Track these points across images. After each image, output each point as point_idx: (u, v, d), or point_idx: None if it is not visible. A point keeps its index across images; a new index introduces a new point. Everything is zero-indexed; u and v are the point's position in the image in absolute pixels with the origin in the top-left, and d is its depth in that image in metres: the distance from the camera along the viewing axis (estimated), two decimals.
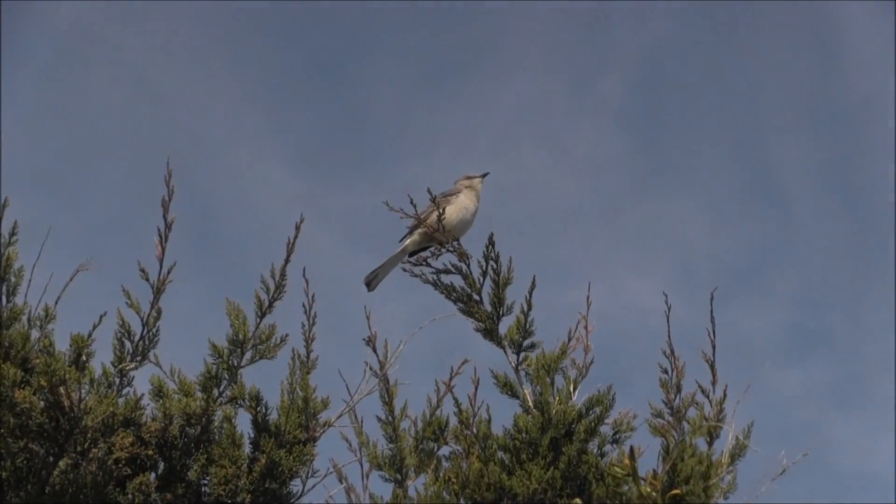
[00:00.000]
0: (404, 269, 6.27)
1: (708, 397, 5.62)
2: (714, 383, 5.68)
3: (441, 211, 6.27)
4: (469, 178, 7.04)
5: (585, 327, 5.94)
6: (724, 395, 5.61)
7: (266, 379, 5.45)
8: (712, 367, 5.69)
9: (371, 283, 6.70)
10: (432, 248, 6.41)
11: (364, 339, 5.83)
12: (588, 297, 5.98)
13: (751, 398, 5.48)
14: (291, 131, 18.83)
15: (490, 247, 5.95)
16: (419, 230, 6.59)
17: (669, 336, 5.80)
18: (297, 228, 5.51)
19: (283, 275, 5.46)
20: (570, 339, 5.87)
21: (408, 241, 6.69)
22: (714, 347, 5.70)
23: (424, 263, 6.25)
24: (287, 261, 5.50)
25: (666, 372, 5.71)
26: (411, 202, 6.03)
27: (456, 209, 6.59)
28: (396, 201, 6.08)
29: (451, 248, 6.21)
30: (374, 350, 5.81)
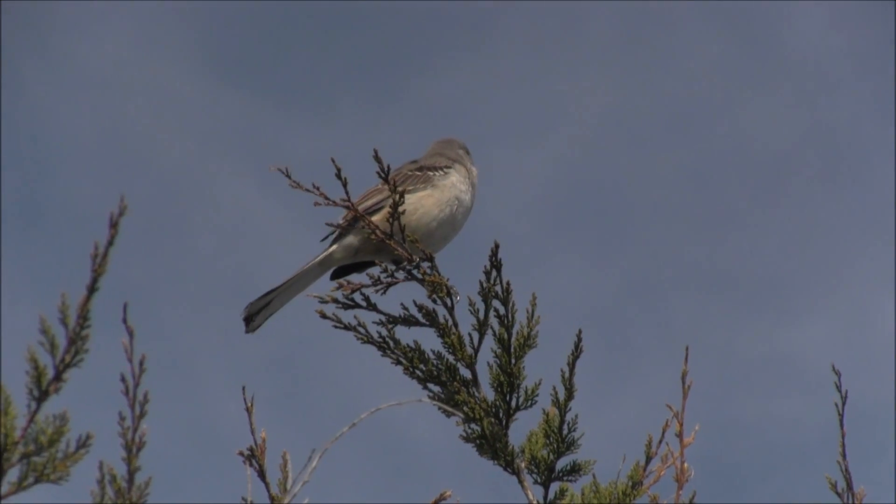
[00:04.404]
0: (323, 315, 4.03)
1: None
2: None
3: (398, 197, 3.89)
4: (466, 150, 5.08)
5: (679, 433, 3.81)
6: None
7: None
8: None
9: (254, 316, 4.66)
10: (380, 270, 4.14)
11: (241, 452, 3.70)
12: (684, 375, 3.79)
13: None
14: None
15: (493, 272, 3.86)
16: (355, 233, 4.55)
17: (844, 450, 3.86)
18: (115, 223, 3.10)
19: (83, 315, 3.31)
20: (649, 459, 3.89)
21: (333, 248, 4.70)
22: None
23: (362, 302, 4.02)
24: (92, 288, 3.25)
25: None
26: (338, 173, 3.80)
27: (437, 200, 4.64)
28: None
29: (416, 272, 3.99)
30: (262, 474, 3.69)
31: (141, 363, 3.42)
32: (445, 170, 4.71)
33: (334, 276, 4.69)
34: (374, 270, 4.22)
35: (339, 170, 3.64)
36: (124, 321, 3.23)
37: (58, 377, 3.49)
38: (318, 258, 4.67)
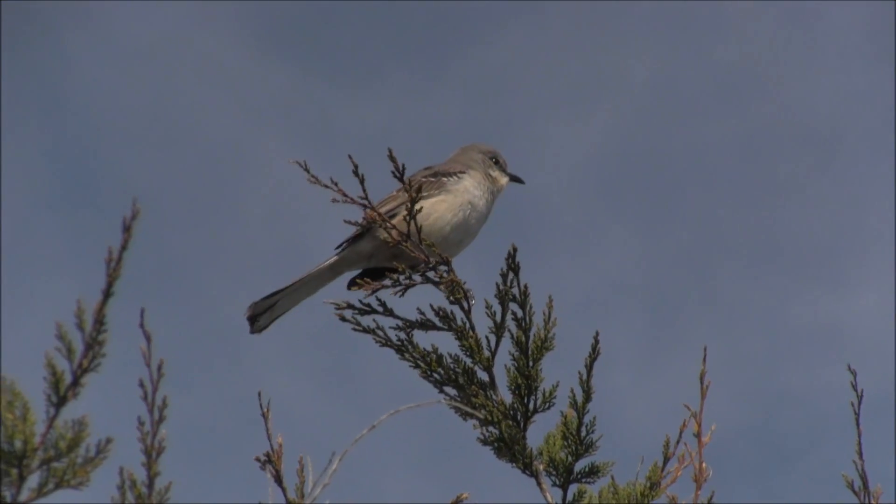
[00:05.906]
0: (342, 318, 4.03)
1: None
2: None
3: (414, 203, 3.87)
4: (493, 158, 4.95)
5: (697, 433, 3.74)
6: None
7: None
8: None
9: (258, 317, 4.56)
10: (399, 273, 4.14)
11: (258, 458, 3.70)
12: (702, 375, 3.75)
13: None
14: None
15: (510, 273, 3.82)
16: (368, 239, 4.53)
17: (861, 449, 3.80)
18: (128, 227, 3.02)
19: (99, 320, 3.22)
20: (666, 460, 3.84)
21: (345, 253, 4.67)
22: None
23: (379, 308, 4.03)
24: (108, 292, 3.14)
25: None
26: (355, 170, 3.74)
27: (450, 204, 4.62)
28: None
29: (432, 275, 3.97)
30: (279, 480, 3.66)
31: (159, 368, 3.35)
32: (459, 175, 4.72)
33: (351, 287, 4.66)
34: (398, 273, 4.16)
35: (356, 166, 3.64)
36: (141, 326, 3.19)
37: (76, 382, 3.43)
38: (329, 262, 4.68)
